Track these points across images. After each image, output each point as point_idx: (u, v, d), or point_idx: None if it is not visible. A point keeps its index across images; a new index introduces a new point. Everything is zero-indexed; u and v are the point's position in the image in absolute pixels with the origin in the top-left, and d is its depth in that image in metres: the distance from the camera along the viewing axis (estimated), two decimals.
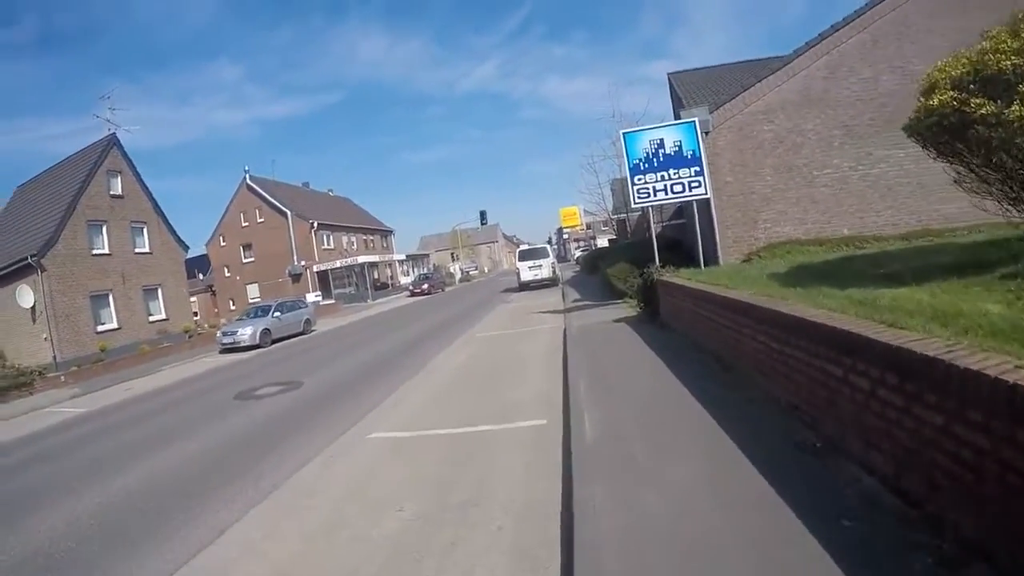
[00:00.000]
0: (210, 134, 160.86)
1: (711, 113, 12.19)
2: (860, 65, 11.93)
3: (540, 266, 26.88)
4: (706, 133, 11.75)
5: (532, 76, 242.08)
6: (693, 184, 11.23)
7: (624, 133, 11.93)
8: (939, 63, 5.02)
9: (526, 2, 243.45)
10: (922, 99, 5.01)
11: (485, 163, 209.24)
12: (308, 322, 22.65)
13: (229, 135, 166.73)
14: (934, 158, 5.43)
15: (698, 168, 11.21)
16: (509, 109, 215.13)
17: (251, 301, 36.77)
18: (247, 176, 43.37)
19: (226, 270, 44.09)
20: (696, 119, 11.49)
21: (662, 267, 10.72)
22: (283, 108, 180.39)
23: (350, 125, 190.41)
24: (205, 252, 45.86)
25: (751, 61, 17.62)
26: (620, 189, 33.91)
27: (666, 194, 11.39)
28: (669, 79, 19.73)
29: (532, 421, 6.08)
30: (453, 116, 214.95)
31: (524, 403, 6.88)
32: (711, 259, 11.67)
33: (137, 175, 25.96)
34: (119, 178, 24.80)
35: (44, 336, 19.73)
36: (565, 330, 11.16)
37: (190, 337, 24.34)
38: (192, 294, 44.54)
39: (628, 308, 12.62)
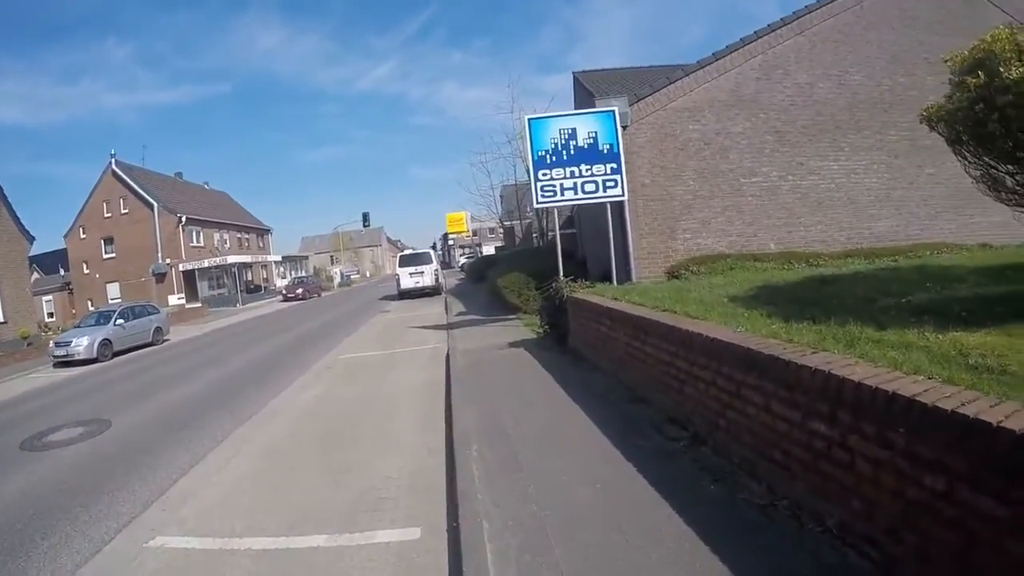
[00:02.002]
0: (90, 117, 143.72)
1: (630, 106, 10.49)
2: (796, 69, 10.83)
3: (422, 273, 24.91)
4: (624, 127, 9.99)
5: (429, 81, 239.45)
6: (608, 183, 9.39)
7: (529, 119, 9.90)
8: (992, 31, 3.85)
9: (429, 6, 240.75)
10: (971, 77, 3.78)
11: (375, 165, 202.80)
12: (159, 331, 18.98)
13: (109, 119, 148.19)
14: (969, 157, 3.96)
15: (615, 165, 9.40)
16: (404, 112, 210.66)
17: (111, 301, 31.82)
18: (112, 161, 37.71)
19: (85, 266, 38.19)
20: (615, 109, 9.71)
21: (573, 280, 8.76)
22: (168, 96, 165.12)
23: (238, 118, 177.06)
24: (64, 246, 39.69)
25: (665, 66, 16.02)
26: (512, 194, 32.43)
27: (575, 193, 9.46)
28: (575, 77, 17.69)
29: (398, 531, 3.73)
30: (346, 115, 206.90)
31: (387, 486, 4.50)
32: (621, 273, 9.86)
33: None
34: None
35: None
36: (448, 355, 8.92)
37: (29, 344, 20.10)
38: (48, 292, 38.53)
39: (524, 327, 10.61)
